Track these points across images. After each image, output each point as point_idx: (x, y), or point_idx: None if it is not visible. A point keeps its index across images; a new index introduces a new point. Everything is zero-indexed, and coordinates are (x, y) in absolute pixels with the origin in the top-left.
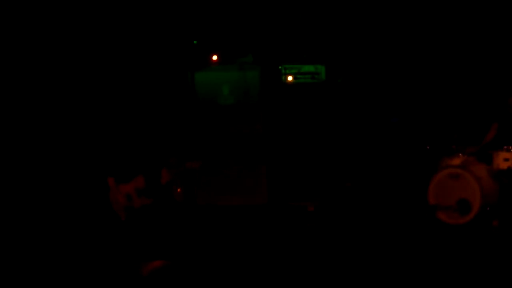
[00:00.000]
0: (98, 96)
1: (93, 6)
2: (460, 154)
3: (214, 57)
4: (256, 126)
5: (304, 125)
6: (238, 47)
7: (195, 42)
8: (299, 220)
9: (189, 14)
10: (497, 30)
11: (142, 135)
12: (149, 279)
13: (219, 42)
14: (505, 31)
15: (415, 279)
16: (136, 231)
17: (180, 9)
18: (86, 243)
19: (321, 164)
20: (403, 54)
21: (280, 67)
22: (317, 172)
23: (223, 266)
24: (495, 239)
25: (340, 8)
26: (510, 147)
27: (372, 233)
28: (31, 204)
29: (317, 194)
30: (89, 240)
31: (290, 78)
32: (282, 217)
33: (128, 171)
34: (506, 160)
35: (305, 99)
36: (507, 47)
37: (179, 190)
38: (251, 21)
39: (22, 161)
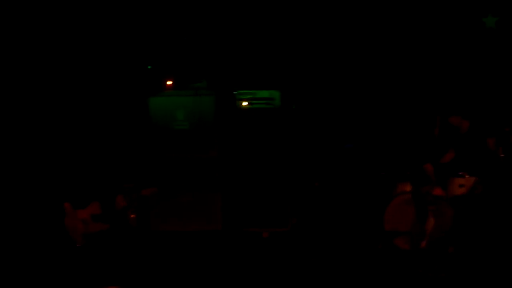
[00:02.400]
0: (53, 123)
1: (46, 35)
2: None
3: (169, 82)
4: (210, 151)
5: (258, 151)
6: (192, 72)
7: (149, 67)
8: (253, 247)
9: (144, 39)
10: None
11: (98, 161)
12: None
13: (174, 67)
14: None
15: None
16: (92, 256)
17: (135, 34)
18: (41, 268)
19: (273, 190)
20: (355, 80)
21: (235, 92)
22: (271, 198)
23: None
24: (450, 265)
25: (293, 35)
26: (465, 174)
27: (330, 259)
28: None
29: (273, 220)
30: (45, 265)
31: (245, 103)
32: (236, 244)
33: (84, 197)
34: (462, 186)
35: (259, 124)
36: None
37: (133, 216)
38: (206, 46)
39: None
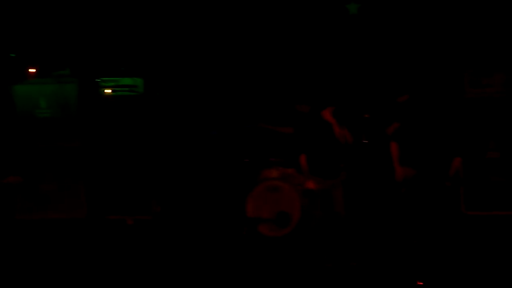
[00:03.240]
0: None
1: None
2: (278, 167)
3: (32, 70)
4: (74, 139)
5: (123, 138)
6: (55, 60)
7: (12, 55)
8: (118, 234)
9: (6, 26)
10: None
11: None
12: None
13: (37, 54)
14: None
15: None
16: None
17: None
18: None
19: (137, 178)
20: (220, 66)
21: (98, 80)
22: (135, 186)
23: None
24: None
25: (156, 20)
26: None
27: (194, 246)
28: None
29: (136, 208)
30: None
31: (108, 91)
32: (100, 231)
33: None
34: None
35: (123, 112)
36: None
37: None
38: (69, 33)
39: None
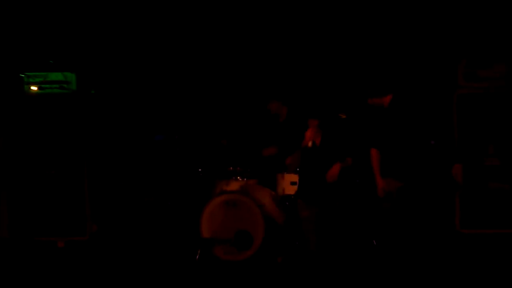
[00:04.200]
0: None
1: None
2: (238, 178)
3: None
4: None
5: (51, 144)
6: None
7: None
8: (47, 258)
9: None
10: None
11: None
12: None
13: None
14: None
15: None
16: None
17: None
18: None
19: (69, 191)
20: (168, 58)
21: (22, 75)
22: (66, 201)
23: None
24: (279, 277)
25: (91, 4)
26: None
27: (140, 271)
28: None
29: (68, 228)
30: None
31: (34, 88)
32: (25, 255)
33: None
34: (294, 183)
35: (52, 113)
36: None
37: None
38: None
39: None
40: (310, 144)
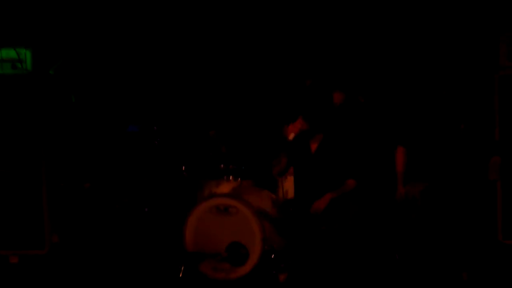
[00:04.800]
0: None
1: None
2: (231, 178)
3: None
4: None
5: (1, 136)
6: None
7: None
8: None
9: None
10: None
11: None
12: None
13: None
14: None
15: None
16: None
17: None
18: None
19: (23, 196)
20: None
21: None
22: (20, 207)
23: None
24: None
25: None
26: None
27: None
28: None
29: (25, 238)
30: None
31: None
32: None
33: None
34: None
35: (2, 97)
36: None
37: None
38: None
39: None
40: (291, 137)
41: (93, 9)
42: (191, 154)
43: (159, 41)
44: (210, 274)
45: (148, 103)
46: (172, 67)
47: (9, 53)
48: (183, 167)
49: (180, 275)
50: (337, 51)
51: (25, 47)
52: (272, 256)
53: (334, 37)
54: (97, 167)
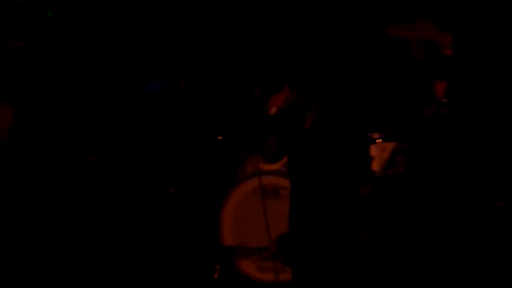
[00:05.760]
0: None
1: None
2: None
3: None
4: None
5: None
6: None
7: None
8: None
9: None
10: None
11: None
12: None
13: None
14: None
15: None
16: None
17: None
18: None
19: None
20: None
21: None
22: None
23: None
24: None
25: None
26: None
27: None
28: None
29: None
30: None
31: None
32: None
33: None
34: None
35: None
36: None
37: None
38: None
39: None
40: (273, 111)
41: None
42: (230, 119)
43: None
44: (254, 276)
45: (173, 53)
46: None
47: None
48: (220, 137)
49: (215, 277)
50: None
51: None
52: None
53: None
54: (107, 136)
